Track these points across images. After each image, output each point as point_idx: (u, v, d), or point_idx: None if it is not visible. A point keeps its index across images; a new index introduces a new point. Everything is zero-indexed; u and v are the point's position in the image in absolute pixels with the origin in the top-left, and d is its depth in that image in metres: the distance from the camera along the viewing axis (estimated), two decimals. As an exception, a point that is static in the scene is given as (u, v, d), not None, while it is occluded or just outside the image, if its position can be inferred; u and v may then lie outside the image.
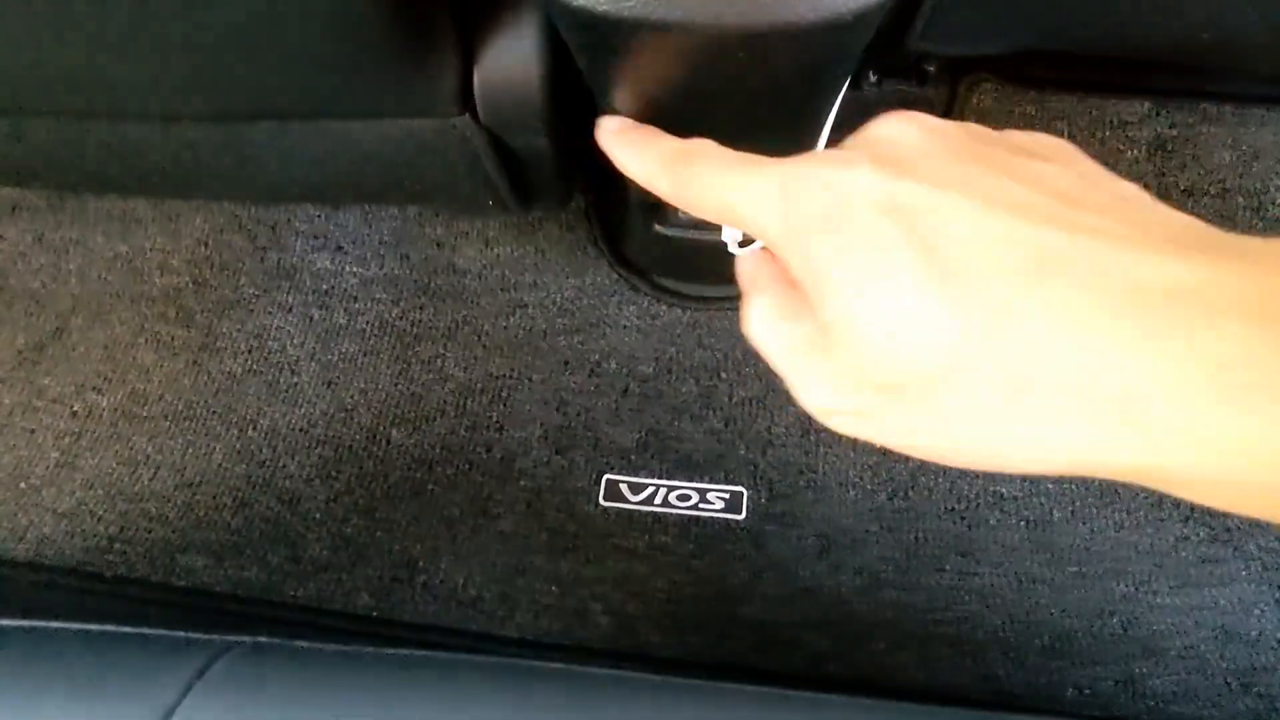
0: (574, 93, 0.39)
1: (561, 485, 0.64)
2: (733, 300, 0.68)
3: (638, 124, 0.30)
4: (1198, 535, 0.60)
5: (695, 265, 0.66)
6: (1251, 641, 0.56)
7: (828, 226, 0.20)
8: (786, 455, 0.64)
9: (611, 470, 0.64)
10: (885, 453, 0.64)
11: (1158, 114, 0.68)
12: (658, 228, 0.53)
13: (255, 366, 0.69)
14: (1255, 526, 0.60)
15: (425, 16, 0.37)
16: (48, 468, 0.67)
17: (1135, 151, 0.68)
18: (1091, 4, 0.43)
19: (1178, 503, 0.61)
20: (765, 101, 0.32)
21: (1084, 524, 0.60)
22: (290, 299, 0.72)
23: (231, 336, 0.71)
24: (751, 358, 0.67)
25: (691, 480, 0.63)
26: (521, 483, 0.64)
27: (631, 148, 0.28)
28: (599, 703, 0.28)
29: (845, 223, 0.20)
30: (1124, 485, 0.62)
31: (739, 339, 0.68)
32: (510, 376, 0.68)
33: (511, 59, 0.40)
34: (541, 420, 0.66)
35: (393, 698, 0.24)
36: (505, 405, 0.67)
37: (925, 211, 0.19)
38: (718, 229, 0.52)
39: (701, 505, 0.62)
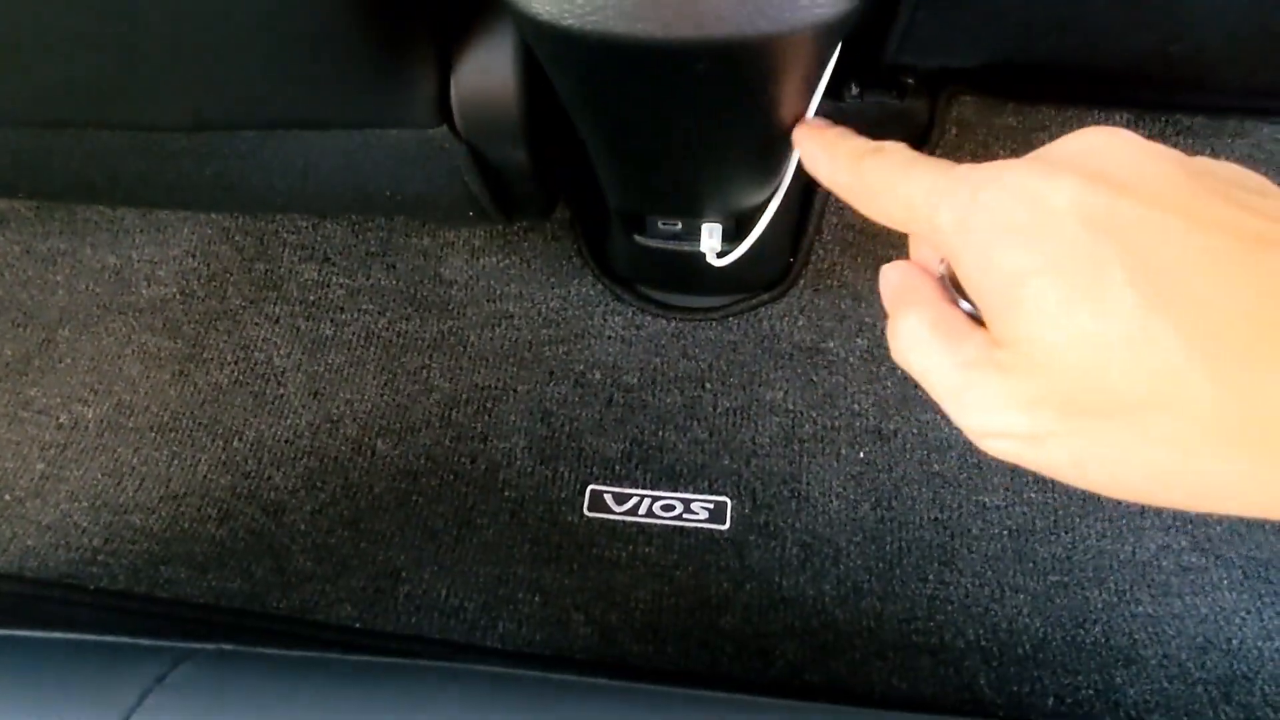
0: (552, 105, 0.39)
1: (545, 496, 0.64)
2: (717, 311, 0.69)
3: (831, 124, 0.30)
4: (1179, 544, 0.60)
5: (678, 276, 0.66)
6: (1231, 651, 0.56)
7: (1027, 236, 0.19)
8: (770, 465, 0.64)
9: (596, 481, 0.64)
10: (869, 463, 0.64)
11: (1135, 125, 0.69)
12: (638, 239, 0.54)
13: (241, 378, 0.70)
14: (1236, 535, 0.60)
15: (403, 29, 0.38)
16: (33, 479, 0.67)
17: (1114, 164, 0.69)
18: (1061, 16, 0.44)
19: (1159, 512, 0.61)
20: (732, 112, 0.32)
21: (1066, 533, 0.61)
22: (277, 310, 0.72)
23: (218, 347, 0.71)
24: (735, 368, 0.68)
25: (675, 490, 0.63)
26: (505, 493, 0.64)
27: (823, 146, 0.28)
28: (575, 710, 0.28)
29: (1048, 235, 0.19)
30: (1105, 495, 0.62)
31: (723, 349, 0.68)
32: (495, 387, 0.68)
33: (488, 72, 0.40)
34: (526, 431, 0.66)
35: (357, 704, 0.25)
36: (490, 416, 0.67)
37: (1142, 230, 0.18)
38: (696, 240, 0.52)
39: (685, 516, 0.63)
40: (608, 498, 0.63)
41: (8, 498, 0.66)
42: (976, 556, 0.60)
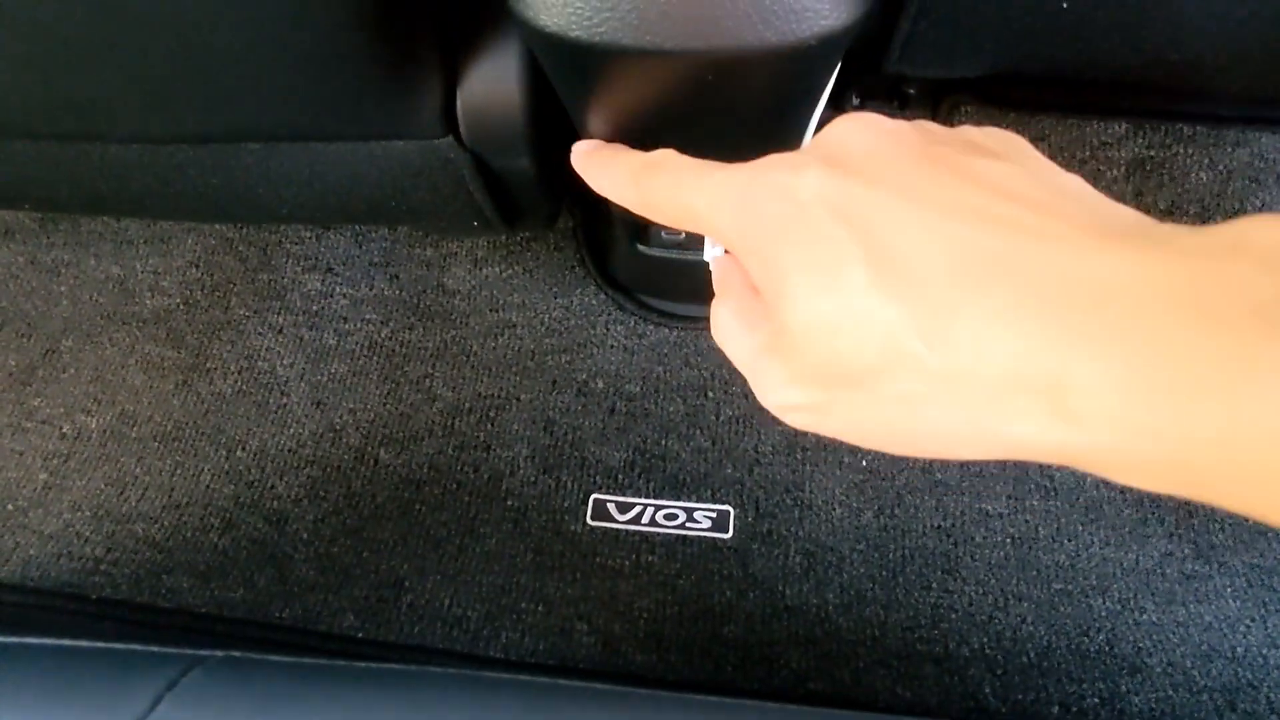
0: (556, 115, 0.40)
1: (548, 505, 0.64)
2: (719, 320, 0.69)
3: (605, 144, 0.31)
4: (1182, 552, 0.60)
5: (680, 285, 0.67)
6: (1236, 658, 0.56)
7: (782, 230, 0.21)
8: (773, 474, 0.64)
9: (599, 490, 0.64)
10: (872, 471, 0.64)
11: (1136, 135, 0.69)
12: (640, 248, 0.54)
13: (245, 387, 0.70)
14: (1239, 543, 0.60)
15: (409, 41, 0.38)
16: (35, 489, 0.67)
17: (1114, 172, 0.69)
18: (1061, 26, 0.44)
19: (1162, 519, 0.61)
20: (738, 123, 0.33)
21: (1069, 541, 0.61)
22: (280, 320, 0.72)
23: (221, 357, 0.71)
24: (738, 376, 0.67)
25: (679, 499, 0.63)
26: (508, 502, 0.64)
27: (600, 165, 0.29)
28: (578, 715, 0.28)
29: (798, 226, 0.20)
30: (1109, 503, 0.62)
31: (725, 358, 0.68)
32: (498, 396, 0.68)
33: (494, 82, 0.40)
34: (529, 440, 0.66)
35: (368, 709, 0.25)
36: (493, 425, 0.67)
37: (871, 213, 0.20)
38: (699, 248, 0.53)
39: (689, 524, 0.63)
40: (611, 506, 0.63)
41: (10, 507, 0.66)
42: (980, 564, 0.60)
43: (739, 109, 0.31)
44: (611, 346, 0.69)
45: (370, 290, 0.73)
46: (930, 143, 0.21)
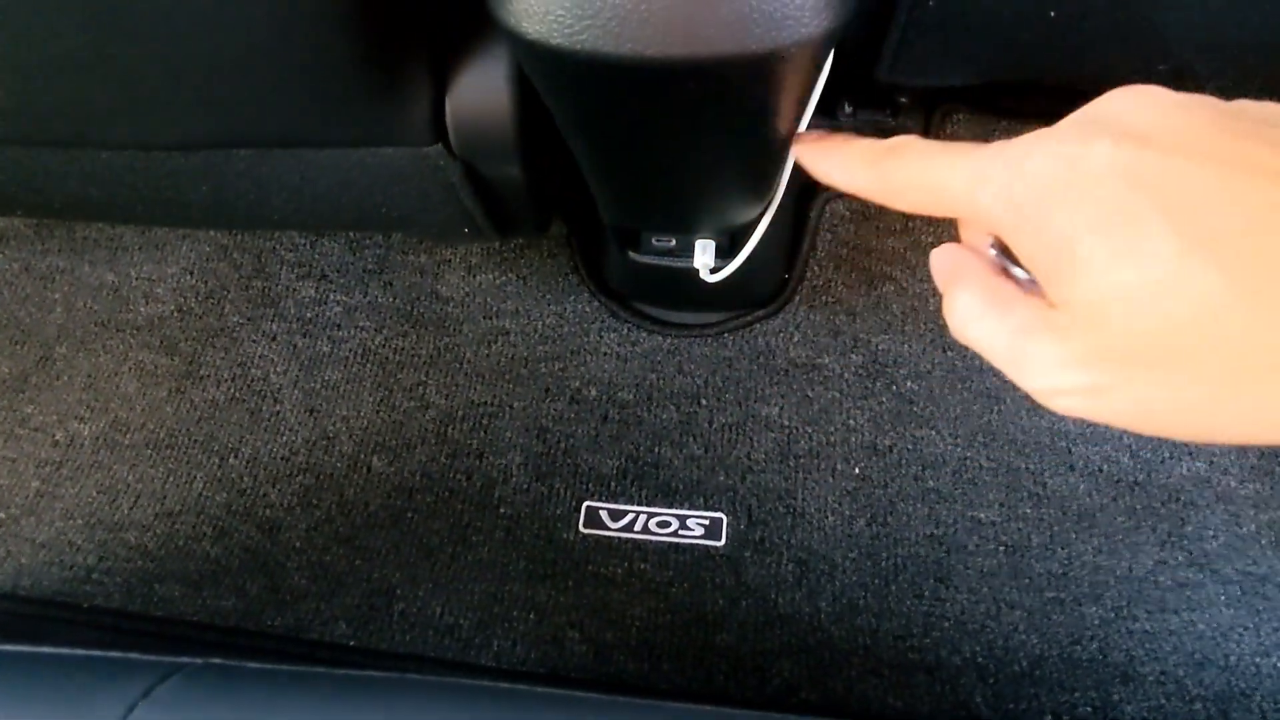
0: (546, 123, 0.40)
1: (541, 513, 0.64)
2: (712, 327, 0.69)
3: (830, 133, 0.30)
4: (1175, 560, 0.60)
5: (672, 292, 0.67)
6: (1229, 667, 0.56)
7: (1070, 199, 0.20)
8: (766, 481, 0.64)
9: (591, 497, 0.64)
10: (864, 478, 0.64)
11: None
12: (632, 255, 0.54)
13: (238, 395, 0.70)
14: (1232, 550, 0.60)
15: (398, 49, 0.38)
16: (27, 497, 0.67)
17: (1106, 181, 0.69)
18: (1049, 36, 0.44)
19: (1155, 527, 0.61)
20: (723, 131, 0.33)
21: (1062, 549, 0.60)
22: (274, 327, 0.72)
23: (215, 365, 0.71)
24: (731, 384, 0.68)
25: (671, 507, 0.63)
26: (501, 510, 0.64)
27: (827, 152, 0.28)
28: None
29: (1090, 195, 0.19)
30: (1101, 511, 0.62)
31: (719, 366, 0.68)
32: (491, 404, 0.68)
33: (483, 90, 0.41)
34: (522, 447, 0.66)
35: (347, 717, 0.24)
36: (486, 433, 0.67)
37: (1175, 182, 0.19)
38: (690, 256, 0.53)
39: (681, 532, 0.62)
40: (603, 514, 0.63)
41: (2, 515, 0.66)
42: (972, 573, 0.60)
43: (723, 117, 0.31)
44: (605, 354, 0.69)
45: (364, 297, 0.73)
46: (1220, 113, 0.20)
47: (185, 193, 0.47)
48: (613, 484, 0.64)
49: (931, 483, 0.63)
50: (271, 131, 0.42)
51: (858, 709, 0.55)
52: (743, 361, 0.68)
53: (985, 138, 0.72)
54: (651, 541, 0.62)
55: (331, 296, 0.73)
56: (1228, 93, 0.53)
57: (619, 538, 0.62)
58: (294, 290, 0.74)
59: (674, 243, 0.53)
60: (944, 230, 0.72)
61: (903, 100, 0.67)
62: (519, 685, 0.30)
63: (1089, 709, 0.55)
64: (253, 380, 0.70)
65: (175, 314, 0.73)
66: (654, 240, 0.53)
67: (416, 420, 0.68)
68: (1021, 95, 0.71)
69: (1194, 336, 0.18)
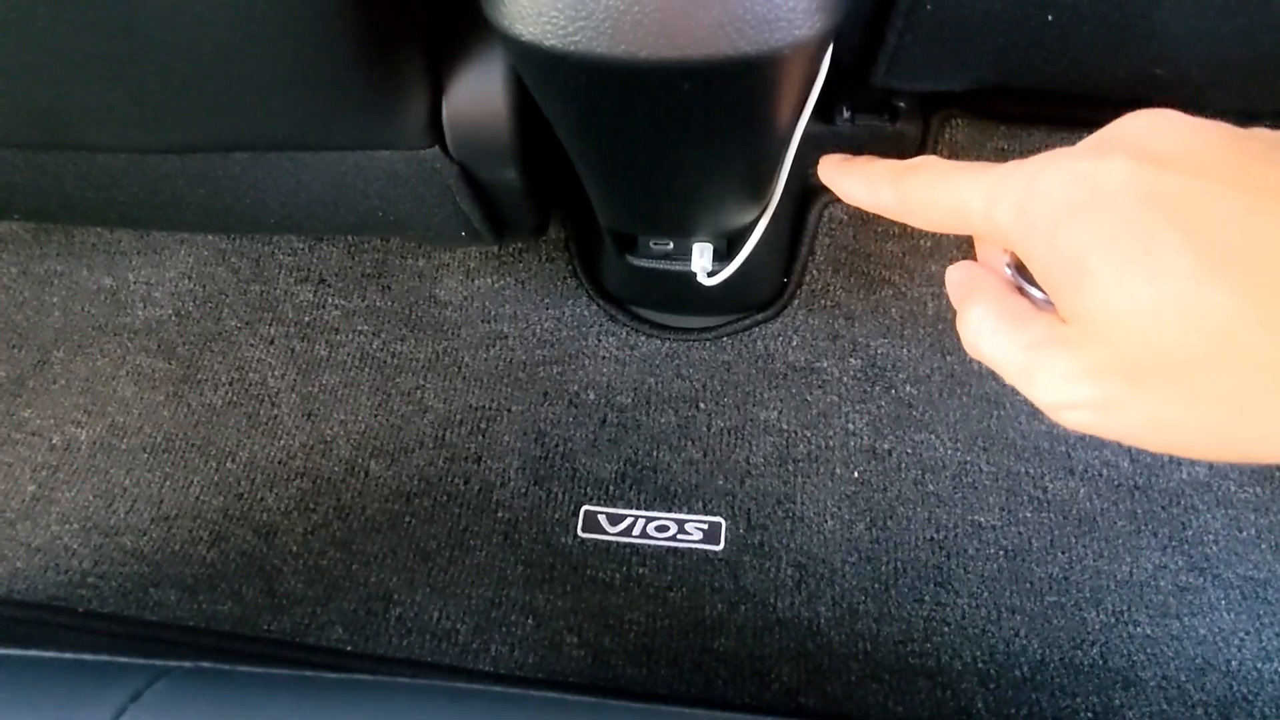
0: (543, 126, 0.40)
1: (539, 517, 0.63)
2: (711, 331, 0.69)
3: (854, 156, 0.31)
4: (1176, 564, 0.60)
5: (671, 297, 0.67)
6: (1231, 672, 0.56)
7: (1085, 216, 0.20)
8: (764, 485, 0.64)
9: (590, 501, 0.64)
10: (863, 482, 0.64)
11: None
12: (630, 259, 0.54)
13: (235, 399, 0.70)
14: (1233, 555, 0.60)
15: (395, 53, 0.38)
16: (24, 501, 0.66)
17: (1105, 184, 0.69)
18: (1046, 41, 0.44)
19: (1155, 532, 0.61)
20: (719, 134, 0.33)
21: (1062, 553, 0.60)
22: (272, 331, 0.72)
23: (212, 369, 0.71)
24: (729, 388, 0.67)
25: (670, 511, 0.63)
26: (499, 514, 0.64)
27: (849, 173, 0.29)
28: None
29: (1105, 212, 0.20)
30: (1102, 515, 0.62)
31: (717, 370, 0.68)
32: (489, 408, 0.68)
33: (480, 93, 0.41)
34: (520, 452, 0.66)
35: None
36: (484, 437, 0.67)
37: (1191, 201, 0.19)
38: (687, 260, 0.53)
39: (680, 536, 0.62)
40: (601, 518, 0.63)
41: (-2, 520, 0.66)
42: (972, 577, 0.60)
43: (718, 119, 0.31)
44: (603, 358, 0.69)
45: (362, 301, 0.73)
46: (1235, 136, 0.21)
47: (183, 196, 0.47)
48: (611, 488, 0.64)
49: (931, 487, 0.63)
50: (268, 135, 0.42)
51: (858, 714, 0.55)
52: (741, 365, 0.68)
53: (983, 142, 0.72)
54: (650, 546, 0.62)
55: (329, 300, 0.73)
56: (1226, 97, 0.53)
57: (617, 542, 0.62)
58: (292, 294, 0.74)
59: (671, 246, 0.53)
60: (943, 235, 0.71)
61: (901, 105, 0.67)
62: (515, 689, 0.29)
63: (1090, 714, 0.55)
64: (250, 384, 0.70)
65: (173, 318, 0.73)
66: (651, 244, 0.53)
67: (414, 424, 0.67)
68: (1020, 100, 0.71)
69: (1206, 354, 0.18)
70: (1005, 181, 0.22)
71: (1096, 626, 0.57)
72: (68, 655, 0.25)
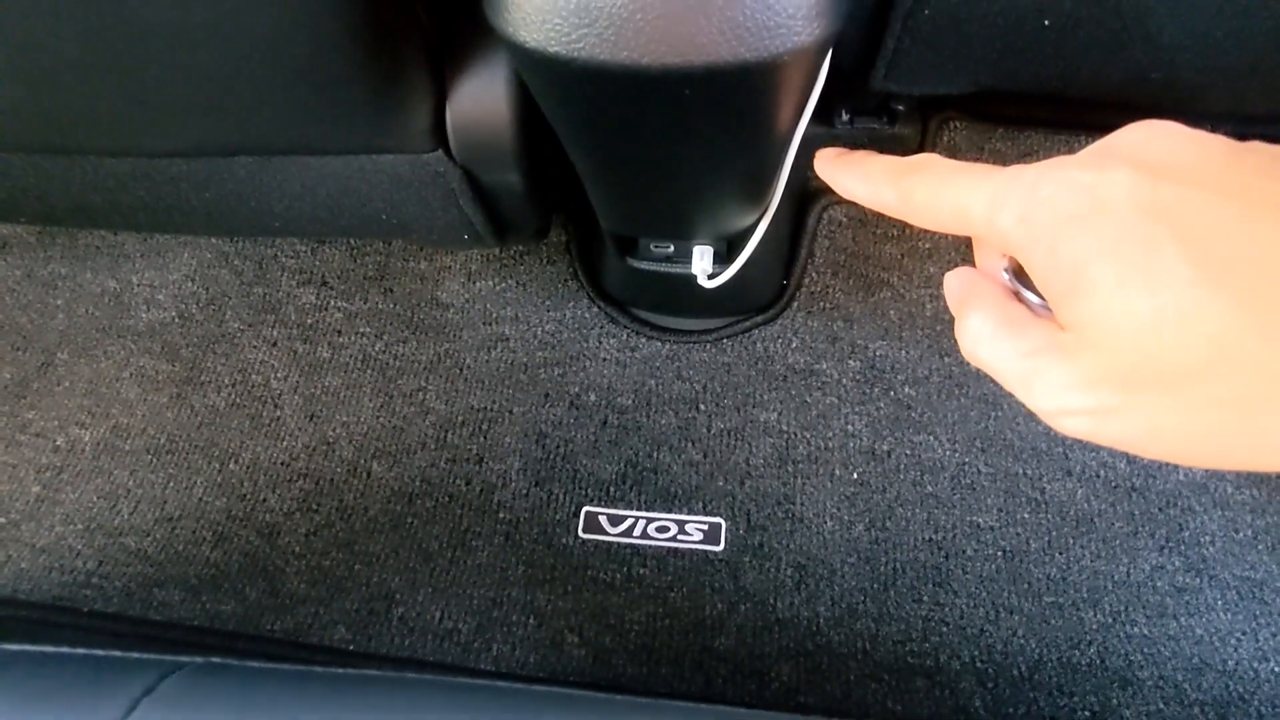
0: (545, 130, 0.40)
1: (540, 517, 0.64)
2: (711, 333, 0.69)
3: (851, 150, 0.31)
4: (1173, 565, 0.60)
5: (671, 298, 0.67)
6: (1227, 672, 0.56)
7: (1086, 225, 0.20)
8: (764, 486, 0.64)
9: (590, 502, 0.64)
10: (862, 483, 0.64)
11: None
12: (631, 261, 0.54)
13: (238, 400, 0.70)
14: (1230, 556, 0.60)
15: (399, 57, 0.39)
16: (28, 502, 0.67)
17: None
18: (1043, 45, 0.45)
19: (1153, 533, 0.61)
20: (720, 138, 0.33)
21: (1060, 554, 0.61)
22: (275, 333, 0.73)
23: (215, 371, 0.71)
24: (729, 390, 0.68)
25: (670, 512, 0.64)
26: (501, 515, 0.64)
27: (848, 168, 0.29)
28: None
29: (1105, 221, 0.20)
30: (1099, 516, 0.62)
31: (717, 371, 0.69)
32: (491, 409, 0.68)
33: (483, 97, 0.41)
34: (521, 453, 0.66)
35: (347, 715, 0.25)
36: (485, 438, 0.67)
37: (1189, 212, 0.19)
38: (687, 262, 0.53)
39: (680, 537, 0.63)
40: (602, 519, 0.63)
41: (2, 520, 0.66)
42: (971, 577, 0.60)
43: (719, 123, 0.31)
44: (604, 360, 0.69)
45: (364, 304, 0.73)
46: (1234, 149, 0.21)
47: (188, 200, 0.48)
48: (612, 489, 0.65)
49: (930, 488, 0.63)
50: (273, 139, 0.42)
51: (857, 713, 0.55)
52: (741, 367, 0.69)
53: (981, 145, 0.73)
54: (650, 546, 0.62)
55: (332, 303, 0.73)
56: (1221, 100, 0.53)
57: (618, 543, 0.63)
58: (295, 296, 0.74)
59: (672, 249, 0.54)
60: (941, 237, 0.72)
61: (899, 108, 0.67)
62: (517, 685, 0.30)
63: (1087, 714, 0.55)
64: (253, 386, 0.70)
65: (176, 320, 0.74)
66: (652, 246, 0.53)
67: (416, 426, 0.68)
68: (1018, 103, 0.72)
69: (1203, 363, 0.18)
70: (1008, 188, 0.23)
71: (1094, 627, 0.58)
72: (80, 651, 0.25)
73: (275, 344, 0.72)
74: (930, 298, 0.70)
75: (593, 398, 0.68)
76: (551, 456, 0.66)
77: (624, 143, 0.34)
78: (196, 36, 0.35)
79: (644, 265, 0.55)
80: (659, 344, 0.70)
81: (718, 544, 0.62)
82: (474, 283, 0.73)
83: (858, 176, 0.29)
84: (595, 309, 0.71)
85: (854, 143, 0.65)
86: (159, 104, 0.38)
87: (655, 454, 0.66)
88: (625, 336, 0.70)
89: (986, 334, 0.24)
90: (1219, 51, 0.44)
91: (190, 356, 0.72)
